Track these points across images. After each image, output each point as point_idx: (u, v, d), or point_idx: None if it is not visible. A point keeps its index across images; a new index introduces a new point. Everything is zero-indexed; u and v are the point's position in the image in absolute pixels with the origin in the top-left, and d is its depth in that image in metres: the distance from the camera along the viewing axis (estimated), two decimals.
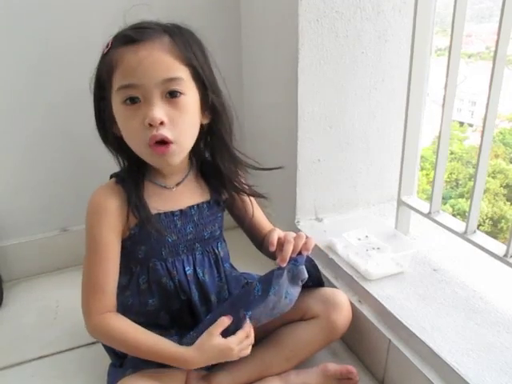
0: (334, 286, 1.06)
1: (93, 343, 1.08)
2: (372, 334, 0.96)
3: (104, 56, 0.80)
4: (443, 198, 1.08)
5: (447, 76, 0.97)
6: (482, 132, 0.91)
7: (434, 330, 0.87)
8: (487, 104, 0.89)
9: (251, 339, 0.84)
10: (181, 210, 0.89)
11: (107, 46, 0.79)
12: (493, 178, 6.95)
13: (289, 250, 0.84)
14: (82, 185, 1.33)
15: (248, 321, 0.84)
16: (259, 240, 1.02)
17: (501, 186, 7.13)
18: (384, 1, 1.12)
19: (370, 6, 1.11)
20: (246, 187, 0.96)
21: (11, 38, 1.19)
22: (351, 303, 0.99)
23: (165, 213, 0.87)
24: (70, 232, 1.39)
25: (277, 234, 0.87)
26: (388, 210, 1.31)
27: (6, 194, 1.31)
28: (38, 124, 1.28)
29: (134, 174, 0.87)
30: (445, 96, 0.98)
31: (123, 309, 0.90)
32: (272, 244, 0.85)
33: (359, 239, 1.12)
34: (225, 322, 0.83)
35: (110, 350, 0.93)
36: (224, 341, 0.81)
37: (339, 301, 0.96)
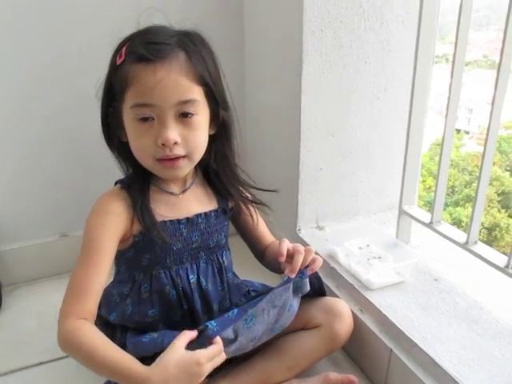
0: (335, 296, 1.06)
1: None
2: (373, 344, 0.97)
3: (117, 68, 0.79)
4: None
5: (450, 90, 0.98)
6: (485, 145, 0.92)
7: (436, 340, 0.88)
8: (490, 117, 0.90)
9: (223, 356, 0.76)
10: (187, 218, 0.89)
11: (120, 57, 0.79)
12: (489, 185, 6.97)
13: (299, 261, 0.84)
14: (82, 190, 1.34)
15: (218, 337, 0.75)
16: (260, 251, 1.03)
17: (495, 192, 7.15)
18: (387, 11, 1.13)
19: (373, 17, 1.12)
20: (249, 194, 0.96)
21: (14, 44, 1.19)
22: (353, 312, 0.99)
23: (171, 220, 0.87)
24: (70, 237, 1.38)
25: (286, 244, 0.87)
26: (388, 218, 1.32)
27: (6, 199, 1.31)
28: (38, 129, 1.28)
29: (140, 180, 0.87)
30: (448, 107, 0.98)
31: (121, 317, 0.89)
32: (282, 254, 0.85)
33: (360, 248, 1.12)
34: (189, 334, 0.76)
35: None
36: (190, 353, 0.72)
37: (341, 310, 0.97)
